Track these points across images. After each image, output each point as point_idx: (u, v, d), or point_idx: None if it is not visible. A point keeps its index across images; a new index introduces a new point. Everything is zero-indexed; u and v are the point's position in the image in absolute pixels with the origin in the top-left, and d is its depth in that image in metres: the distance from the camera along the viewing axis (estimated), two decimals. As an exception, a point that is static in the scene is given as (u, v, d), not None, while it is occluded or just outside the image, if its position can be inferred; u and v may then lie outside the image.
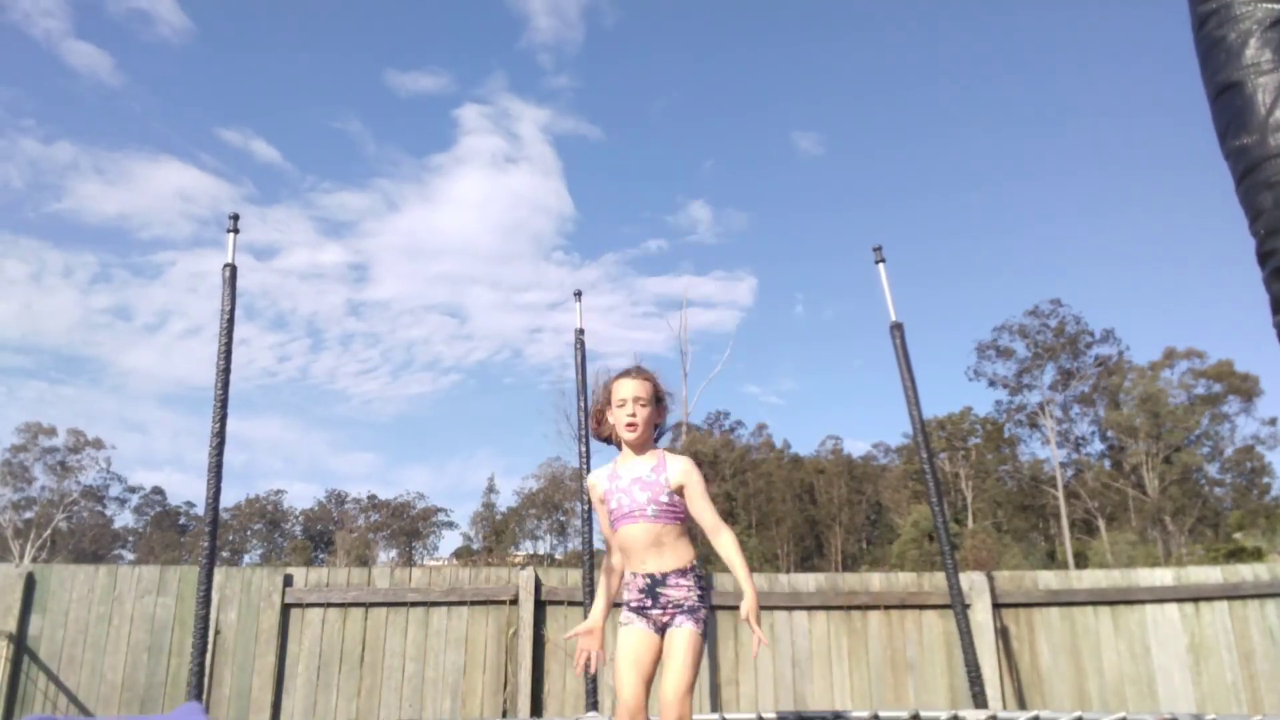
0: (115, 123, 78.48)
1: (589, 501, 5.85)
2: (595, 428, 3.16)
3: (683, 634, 2.82)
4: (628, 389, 2.98)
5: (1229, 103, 1.18)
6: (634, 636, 2.90)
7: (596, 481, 3.10)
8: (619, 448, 3.10)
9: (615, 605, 3.09)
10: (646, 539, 2.89)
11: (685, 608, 2.86)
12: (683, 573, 2.89)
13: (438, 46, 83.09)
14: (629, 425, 2.96)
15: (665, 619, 2.88)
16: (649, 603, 2.89)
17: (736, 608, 5.96)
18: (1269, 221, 1.12)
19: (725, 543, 2.89)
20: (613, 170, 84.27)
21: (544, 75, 79.98)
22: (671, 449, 3.09)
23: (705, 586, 2.96)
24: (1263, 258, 1.14)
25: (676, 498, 2.90)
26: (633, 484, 2.95)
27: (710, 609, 5.87)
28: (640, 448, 3.00)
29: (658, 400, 3.03)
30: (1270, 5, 1.17)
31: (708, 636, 2.92)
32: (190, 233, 73.57)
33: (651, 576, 2.88)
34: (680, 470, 2.93)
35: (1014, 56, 76.87)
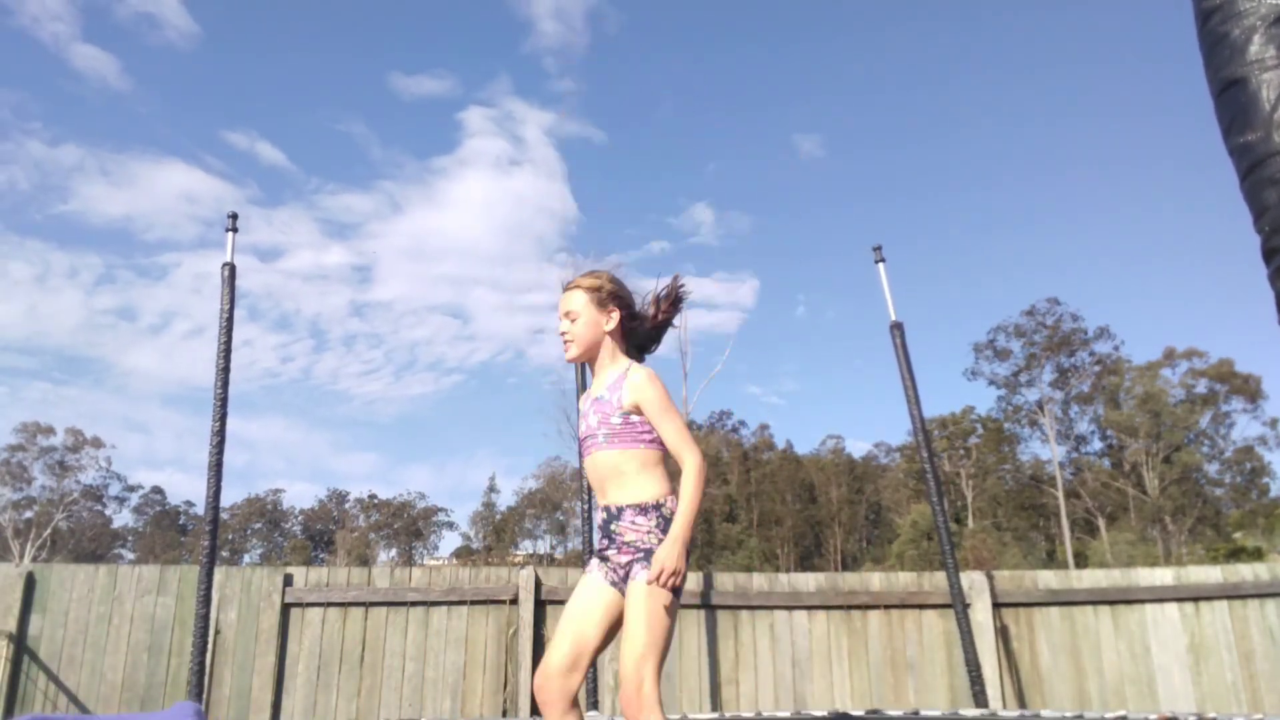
0: (121, 125, 78.63)
1: (589, 502, 5.85)
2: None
3: (638, 588, 2.27)
4: (560, 304, 2.57)
5: (1233, 99, 1.17)
6: (585, 585, 2.44)
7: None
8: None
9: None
10: (602, 469, 2.43)
11: (645, 552, 2.32)
12: (643, 510, 2.36)
13: (443, 50, 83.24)
14: (564, 344, 2.56)
15: (624, 567, 2.37)
16: (606, 542, 2.42)
17: (736, 608, 5.98)
18: (1274, 218, 1.11)
19: (685, 470, 2.34)
20: (616, 173, 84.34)
21: (548, 79, 80.00)
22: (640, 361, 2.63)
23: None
24: (1267, 255, 1.13)
25: (634, 418, 2.42)
26: (591, 405, 2.51)
27: (710, 608, 5.88)
28: (597, 362, 2.56)
29: (602, 303, 2.54)
30: (1274, 1, 1.16)
31: (679, 595, 2.31)
32: (195, 234, 73.65)
33: (608, 510, 2.42)
34: (634, 386, 2.42)
35: (1012, 56, 76.88)
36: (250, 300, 72.95)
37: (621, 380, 2.47)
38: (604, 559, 2.44)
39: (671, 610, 2.29)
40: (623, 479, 2.40)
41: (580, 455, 2.62)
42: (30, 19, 69.86)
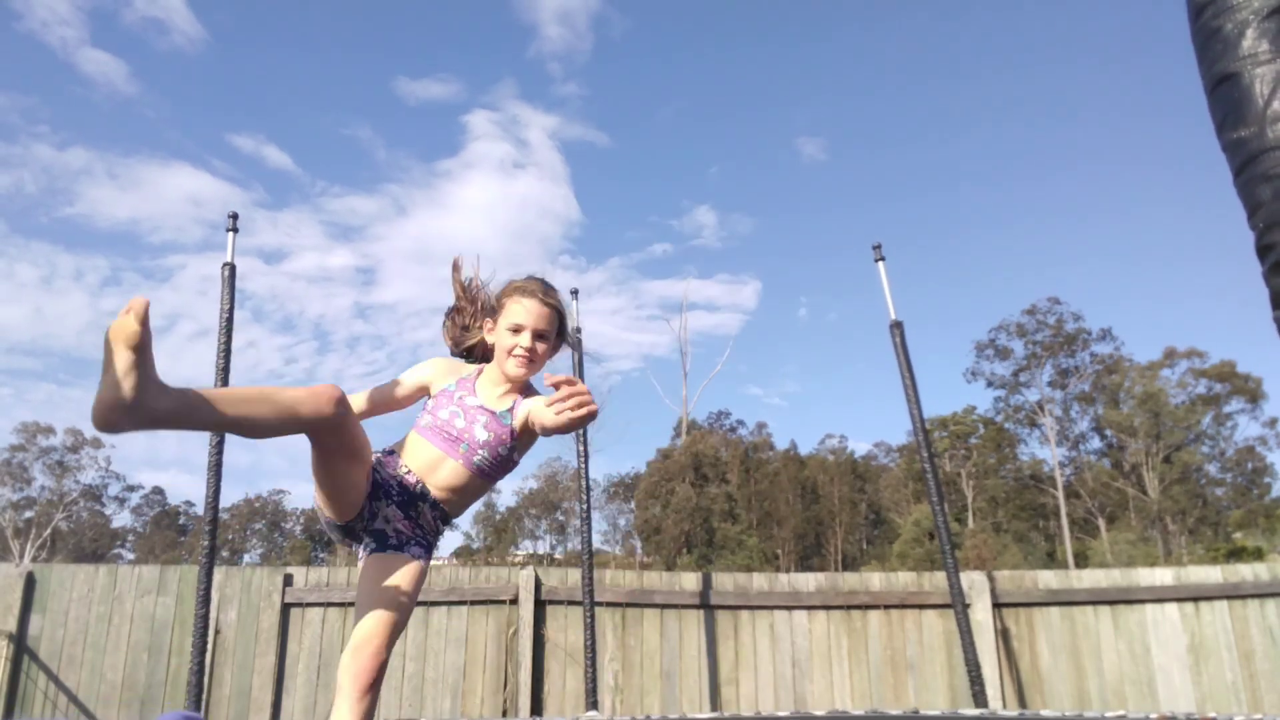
0: (129, 129, 78.82)
1: (588, 502, 5.85)
2: (454, 330, 2.42)
3: (411, 567, 2.22)
4: (533, 315, 2.25)
5: (1226, 94, 1.17)
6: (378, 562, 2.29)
7: (436, 373, 2.35)
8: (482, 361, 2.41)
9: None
10: (447, 478, 2.20)
11: (420, 540, 2.25)
12: (447, 520, 2.27)
13: (448, 55, 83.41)
14: (521, 359, 2.25)
15: (400, 537, 2.23)
16: (401, 499, 2.20)
17: (736, 608, 5.97)
18: (1268, 215, 1.11)
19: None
20: (619, 176, 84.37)
21: (553, 83, 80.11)
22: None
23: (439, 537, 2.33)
24: (1262, 251, 1.13)
25: (515, 455, 2.26)
26: (478, 410, 2.24)
27: (710, 608, 5.88)
28: (518, 383, 2.29)
29: (560, 334, 2.35)
30: None
31: (424, 577, 2.26)
32: (200, 236, 73.88)
33: (422, 484, 2.20)
34: (527, 408, 2.22)
35: (1012, 55, 76.87)
36: (255, 302, 73.23)
37: (518, 406, 2.25)
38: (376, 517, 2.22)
39: (417, 592, 2.25)
40: (464, 498, 2.26)
41: (424, 428, 2.26)
42: (39, 24, 70.14)
